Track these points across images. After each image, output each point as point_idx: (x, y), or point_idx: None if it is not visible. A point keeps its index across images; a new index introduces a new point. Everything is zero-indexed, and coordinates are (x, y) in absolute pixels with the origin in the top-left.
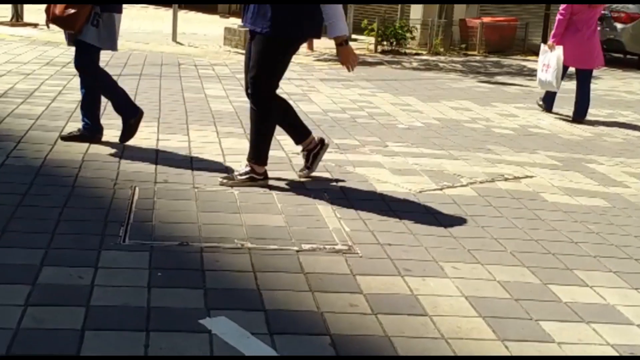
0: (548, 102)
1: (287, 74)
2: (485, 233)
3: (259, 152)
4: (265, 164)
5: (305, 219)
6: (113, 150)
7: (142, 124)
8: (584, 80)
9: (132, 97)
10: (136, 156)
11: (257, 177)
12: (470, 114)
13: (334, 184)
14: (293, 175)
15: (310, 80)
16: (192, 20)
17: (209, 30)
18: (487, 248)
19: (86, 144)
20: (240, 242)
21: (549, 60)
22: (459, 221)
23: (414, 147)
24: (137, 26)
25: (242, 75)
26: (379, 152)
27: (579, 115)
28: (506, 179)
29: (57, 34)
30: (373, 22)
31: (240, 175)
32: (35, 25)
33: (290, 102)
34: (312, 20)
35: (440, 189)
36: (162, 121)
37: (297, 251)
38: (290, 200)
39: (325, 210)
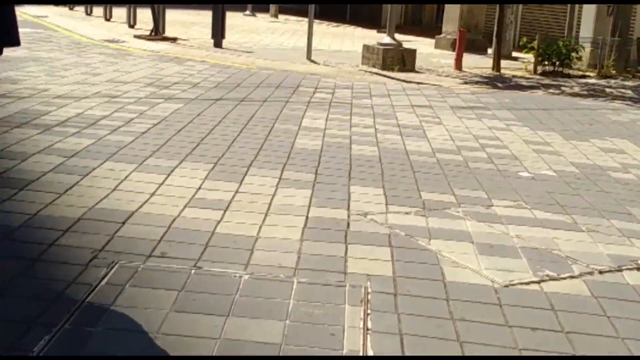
0: None
1: (415, 100)
2: None
3: None
4: None
5: (316, 331)
6: (132, 203)
7: (192, 166)
8: None
9: (211, 127)
10: (154, 213)
11: None
12: (622, 158)
13: (387, 267)
14: (340, 250)
15: (439, 109)
16: (345, 36)
17: (358, 47)
18: None
19: (105, 192)
20: None
21: None
22: (546, 343)
23: (526, 209)
24: (279, 42)
25: (359, 101)
26: (474, 216)
27: None
28: (639, 269)
29: (191, 49)
30: (534, 40)
31: None
32: (174, 39)
33: (398, 137)
34: None
35: (538, 282)
36: (220, 162)
37: None
38: (311, 293)
39: (352, 315)
